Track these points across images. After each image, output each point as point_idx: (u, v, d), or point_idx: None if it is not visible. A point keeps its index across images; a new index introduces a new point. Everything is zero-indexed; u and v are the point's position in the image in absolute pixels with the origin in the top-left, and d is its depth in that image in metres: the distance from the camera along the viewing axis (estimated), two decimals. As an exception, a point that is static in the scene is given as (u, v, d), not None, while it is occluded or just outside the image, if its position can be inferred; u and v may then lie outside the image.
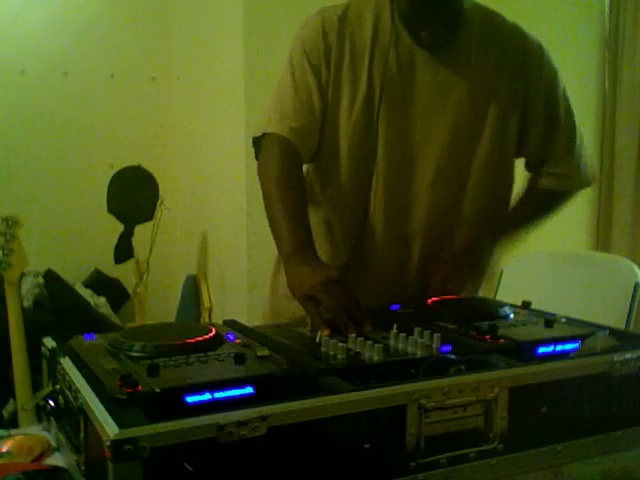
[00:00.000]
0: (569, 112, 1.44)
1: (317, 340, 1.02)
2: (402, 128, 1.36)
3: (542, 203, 1.49)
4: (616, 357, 0.98)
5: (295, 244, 1.22)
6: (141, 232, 2.95)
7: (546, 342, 1.02)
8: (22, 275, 2.31)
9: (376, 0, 1.37)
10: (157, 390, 0.77)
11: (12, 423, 2.14)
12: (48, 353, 1.02)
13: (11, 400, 2.23)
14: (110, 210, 2.88)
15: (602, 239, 3.36)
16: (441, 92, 1.36)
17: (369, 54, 1.34)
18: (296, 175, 1.34)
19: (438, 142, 1.36)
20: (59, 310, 2.71)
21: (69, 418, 0.89)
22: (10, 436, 1.05)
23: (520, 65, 1.38)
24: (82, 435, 0.81)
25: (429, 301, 1.28)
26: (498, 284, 2.29)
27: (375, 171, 1.36)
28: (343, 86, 1.35)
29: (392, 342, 1.00)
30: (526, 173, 1.50)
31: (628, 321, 1.84)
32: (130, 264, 2.97)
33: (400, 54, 1.34)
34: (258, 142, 1.38)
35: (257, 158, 1.40)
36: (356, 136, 1.35)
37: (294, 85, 1.35)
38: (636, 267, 1.91)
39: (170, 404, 0.77)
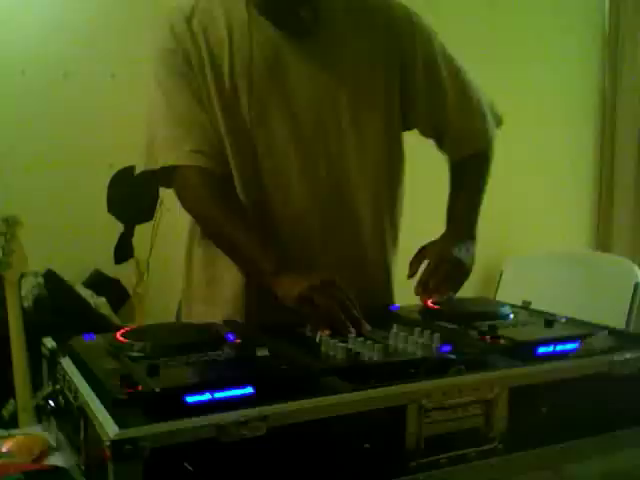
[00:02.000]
0: (453, 73, 1.38)
1: (317, 340, 1.02)
2: (285, 125, 1.27)
3: (474, 172, 1.42)
4: (616, 357, 0.98)
5: (276, 261, 1.18)
6: (141, 232, 2.94)
7: (546, 342, 1.01)
8: (22, 275, 2.31)
9: None
10: (157, 390, 0.77)
11: (12, 423, 2.14)
12: (48, 353, 1.02)
13: (11, 400, 2.23)
14: (110, 210, 2.87)
15: (602, 239, 3.36)
16: (316, 81, 1.28)
17: (228, 53, 1.24)
18: (226, 196, 1.25)
19: (324, 133, 1.29)
20: (59, 310, 2.71)
21: (69, 418, 0.89)
22: (10, 436, 1.05)
23: (390, 36, 1.33)
24: (82, 435, 0.81)
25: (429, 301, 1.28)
26: (498, 284, 2.30)
27: (266, 172, 1.28)
28: (211, 92, 1.25)
29: (392, 342, 1.00)
30: (439, 153, 1.44)
31: (628, 321, 1.84)
32: (130, 264, 2.97)
33: (263, 48, 1.25)
34: (160, 173, 1.27)
35: (166, 187, 1.33)
36: (238, 142, 1.26)
37: (171, 106, 1.25)
38: (636, 267, 1.92)
39: (170, 404, 0.76)
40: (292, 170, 1.29)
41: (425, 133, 1.43)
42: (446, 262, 1.29)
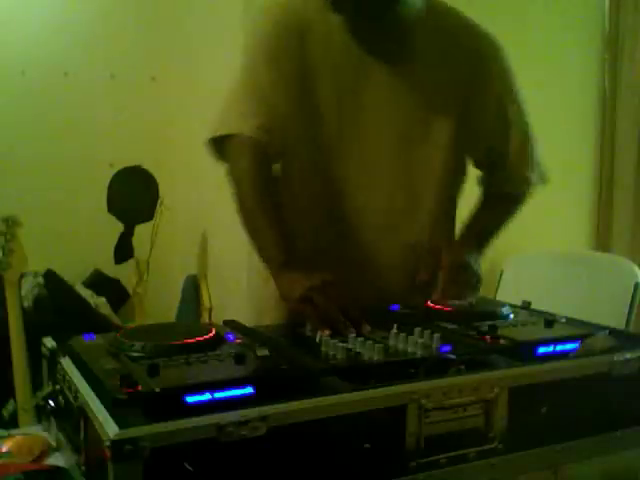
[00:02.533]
0: (521, 113, 1.42)
1: (317, 340, 1.02)
2: (356, 136, 1.33)
3: (502, 207, 1.48)
4: (616, 357, 0.98)
5: (285, 254, 1.21)
6: (141, 232, 2.95)
7: (546, 342, 1.01)
8: (22, 275, 2.31)
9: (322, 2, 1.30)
10: (157, 390, 0.77)
11: (12, 423, 2.14)
12: (48, 353, 1.02)
13: (11, 400, 2.23)
14: (110, 210, 2.88)
15: (602, 239, 3.36)
16: (394, 98, 1.33)
17: (319, 59, 1.31)
18: (270, 181, 1.31)
19: (392, 149, 1.35)
20: (59, 310, 2.71)
21: (69, 418, 0.89)
22: (10, 436, 1.05)
23: (473, 65, 1.36)
24: (82, 435, 0.81)
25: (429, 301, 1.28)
26: (498, 284, 2.30)
27: (329, 178, 1.34)
28: (295, 89, 1.31)
29: (392, 342, 1.00)
30: (478, 178, 1.50)
31: (628, 321, 1.84)
32: (130, 264, 2.97)
33: (350, 61, 1.31)
34: (218, 143, 1.34)
35: (219, 159, 1.36)
36: (308, 143, 1.33)
37: (251, 81, 1.31)
38: (636, 267, 1.92)
39: (170, 404, 0.77)
40: (354, 178, 1.35)
41: (479, 164, 1.47)
42: (464, 270, 1.32)
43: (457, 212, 1.48)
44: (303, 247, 1.32)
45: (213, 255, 2.98)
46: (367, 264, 1.38)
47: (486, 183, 1.49)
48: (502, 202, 1.48)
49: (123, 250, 2.93)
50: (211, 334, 0.98)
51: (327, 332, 1.04)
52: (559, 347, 1.01)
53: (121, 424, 0.71)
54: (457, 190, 1.44)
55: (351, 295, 1.20)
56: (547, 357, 0.99)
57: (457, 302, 1.23)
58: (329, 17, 1.30)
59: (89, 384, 0.83)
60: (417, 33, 1.33)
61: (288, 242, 1.24)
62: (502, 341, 1.02)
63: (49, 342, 1.03)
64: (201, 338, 0.96)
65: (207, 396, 0.78)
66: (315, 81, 1.31)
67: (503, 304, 1.25)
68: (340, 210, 1.36)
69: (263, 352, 0.91)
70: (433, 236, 1.39)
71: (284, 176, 1.38)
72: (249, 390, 0.81)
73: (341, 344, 0.96)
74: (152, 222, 2.93)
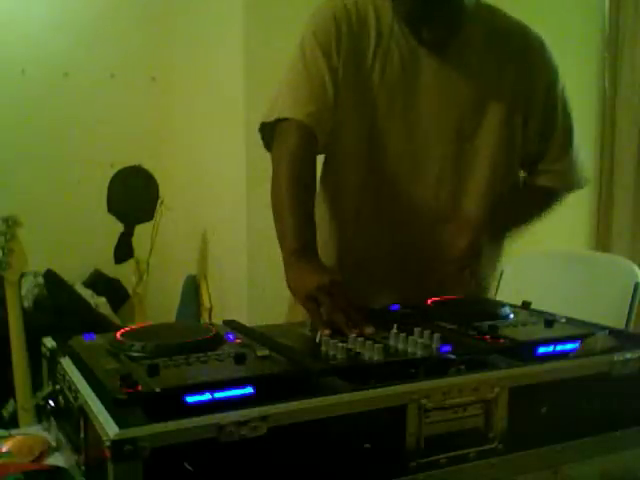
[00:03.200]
0: (567, 110, 1.44)
1: (317, 340, 1.02)
2: (406, 128, 1.36)
3: (537, 201, 1.49)
4: (616, 357, 0.98)
5: (300, 243, 1.22)
6: (141, 232, 2.95)
7: (546, 342, 1.01)
8: (22, 275, 2.31)
9: None
10: (157, 390, 0.77)
11: (12, 423, 2.14)
12: (48, 353, 1.02)
13: (11, 400, 2.23)
14: (110, 210, 2.88)
15: (602, 239, 3.36)
16: (444, 92, 1.36)
17: (372, 51, 1.34)
18: (310, 169, 1.33)
19: (442, 142, 1.37)
20: (59, 310, 2.71)
21: (69, 418, 0.89)
22: (10, 436, 1.05)
23: (522, 63, 1.39)
24: (82, 435, 0.81)
25: (429, 301, 1.28)
26: (498, 284, 2.29)
27: (378, 170, 1.36)
28: (348, 81, 1.34)
29: (392, 342, 1.00)
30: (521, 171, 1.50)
31: (628, 321, 1.84)
32: (130, 264, 2.97)
33: (402, 53, 1.34)
34: (269, 129, 1.36)
35: (266, 145, 1.39)
36: (359, 133, 1.35)
37: (306, 70, 1.34)
38: (636, 267, 1.91)
39: (170, 404, 0.76)
40: (402, 170, 1.37)
41: (523, 160, 1.46)
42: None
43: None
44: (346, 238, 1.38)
45: (213, 255, 2.99)
46: (413, 257, 1.39)
47: (527, 177, 1.49)
48: (536, 195, 1.48)
49: (123, 250, 2.93)
50: (211, 334, 0.98)
51: (327, 332, 1.04)
52: (559, 347, 1.01)
53: (121, 424, 0.71)
54: (505, 187, 1.44)
55: (393, 285, 1.29)
56: (547, 357, 0.99)
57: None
58: (383, 6, 1.34)
59: (89, 384, 0.83)
60: (468, 26, 1.35)
61: (307, 231, 1.24)
62: (502, 341, 1.02)
63: (49, 342, 1.03)
64: (201, 338, 0.96)
65: (207, 396, 0.78)
66: (368, 72, 1.34)
67: (503, 304, 1.25)
68: (385, 202, 1.38)
69: (263, 352, 0.91)
70: (478, 233, 1.40)
71: (327, 167, 1.41)
72: (249, 390, 0.81)
73: (341, 344, 0.96)
74: (152, 222, 2.93)
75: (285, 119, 1.32)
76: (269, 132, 1.36)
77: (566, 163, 1.45)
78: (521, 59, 1.39)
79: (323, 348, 0.98)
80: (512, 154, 1.42)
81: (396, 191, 1.38)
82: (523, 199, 1.49)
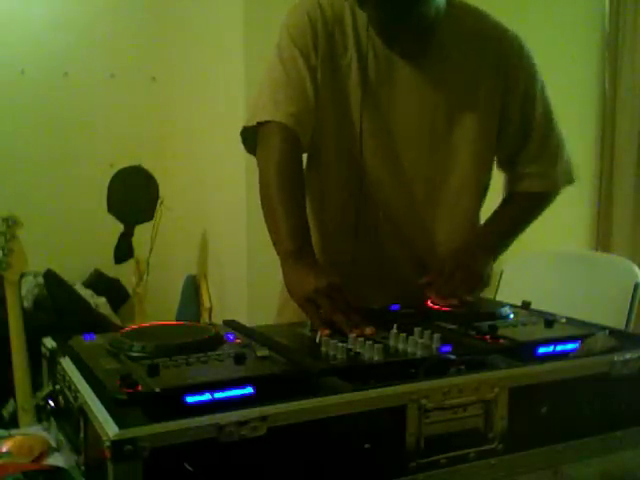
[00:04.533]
0: (546, 110, 1.42)
1: (317, 340, 1.02)
2: (383, 127, 1.36)
3: (524, 206, 1.47)
4: (616, 357, 0.98)
5: (297, 245, 1.21)
6: (141, 232, 2.95)
7: (546, 342, 1.01)
8: (22, 275, 2.31)
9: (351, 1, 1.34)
10: (157, 390, 0.77)
11: (12, 423, 2.14)
12: (48, 353, 1.02)
13: (11, 400, 2.23)
14: (110, 210, 2.88)
15: (602, 239, 3.36)
16: (420, 92, 1.35)
17: (349, 50, 1.34)
18: (297, 170, 1.32)
19: (416, 141, 1.37)
20: (59, 310, 2.71)
21: (69, 418, 0.89)
22: (10, 436, 1.05)
23: (498, 65, 1.38)
24: (82, 435, 0.81)
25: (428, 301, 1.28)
26: (498, 284, 2.29)
27: (358, 167, 1.35)
28: (326, 79, 1.34)
29: (392, 342, 1.00)
30: (502, 178, 1.50)
31: (628, 321, 1.84)
32: (130, 264, 2.97)
33: (378, 53, 1.34)
34: (250, 133, 1.36)
35: (248, 149, 1.38)
36: (338, 132, 1.35)
37: (285, 72, 1.33)
38: (636, 267, 1.91)
39: (170, 404, 0.77)
40: (384, 175, 1.37)
41: (501, 162, 1.47)
42: (463, 269, 1.32)
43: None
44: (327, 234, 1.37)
45: (213, 255, 2.99)
46: (388, 257, 1.39)
47: (508, 182, 1.49)
48: (522, 200, 1.47)
49: (123, 250, 2.93)
50: (211, 334, 0.98)
51: (326, 332, 1.04)
52: (559, 347, 1.01)
53: (121, 424, 0.71)
54: (482, 187, 1.44)
55: (370, 289, 1.26)
56: (547, 357, 0.99)
57: (451, 301, 1.23)
58: (358, 12, 1.33)
59: (89, 384, 0.83)
60: (440, 31, 1.34)
61: (303, 232, 1.24)
62: (502, 341, 1.02)
63: (49, 342, 1.03)
64: (201, 338, 0.96)
65: (207, 396, 0.78)
66: (344, 74, 1.34)
67: (503, 304, 1.25)
68: (366, 200, 1.37)
69: (263, 352, 0.91)
70: (454, 233, 1.40)
71: (310, 166, 1.40)
72: (249, 390, 0.81)
73: (341, 344, 0.96)
74: (152, 222, 2.93)
75: (267, 122, 1.31)
76: (252, 136, 1.36)
77: (545, 164, 1.43)
78: (497, 62, 1.37)
79: (323, 348, 0.98)
80: (487, 154, 1.42)
81: (373, 191, 1.37)
82: (511, 206, 1.48)
